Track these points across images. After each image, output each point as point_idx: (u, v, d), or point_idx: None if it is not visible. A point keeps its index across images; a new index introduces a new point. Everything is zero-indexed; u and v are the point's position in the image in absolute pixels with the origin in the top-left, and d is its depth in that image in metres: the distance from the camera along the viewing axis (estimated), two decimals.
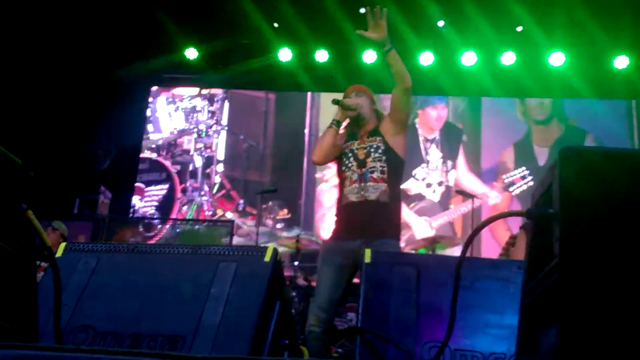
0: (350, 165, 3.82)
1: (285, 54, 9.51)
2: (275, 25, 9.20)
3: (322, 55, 9.46)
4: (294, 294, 7.15)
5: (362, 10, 8.13)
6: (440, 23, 8.95)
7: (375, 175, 3.73)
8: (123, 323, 2.26)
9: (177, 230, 8.70)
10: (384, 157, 3.77)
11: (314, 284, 7.15)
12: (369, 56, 9.28)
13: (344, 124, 4.01)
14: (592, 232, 1.41)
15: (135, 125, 10.28)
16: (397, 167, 3.85)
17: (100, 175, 9.10)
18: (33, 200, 1.74)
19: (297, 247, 7.41)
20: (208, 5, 8.94)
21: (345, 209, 3.78)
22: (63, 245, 2.47)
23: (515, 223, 7.41)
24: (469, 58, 9.29)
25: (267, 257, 2.33)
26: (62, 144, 9.18)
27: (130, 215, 9.67)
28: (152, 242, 8.23)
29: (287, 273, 7.26)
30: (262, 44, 9.44)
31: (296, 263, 7.35)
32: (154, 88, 10.60)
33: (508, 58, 9.27)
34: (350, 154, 3.86)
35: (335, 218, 3.92)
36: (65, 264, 2.38)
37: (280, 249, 8.01)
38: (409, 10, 8.44)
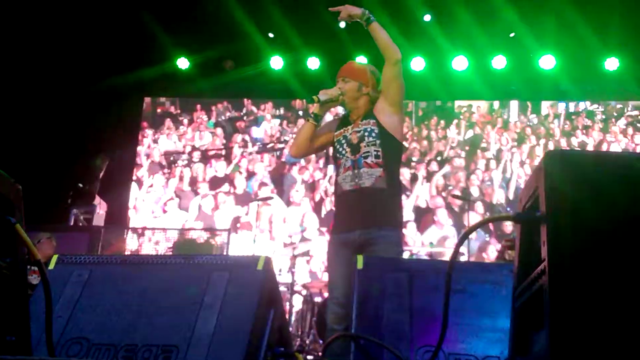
0: (344, 152, 3.64)
1: (277, 62, 9.54)
2: (271, 35, 9.22)
3: (313, 63, 9.49)
4: (293, 301, 7.16)
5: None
6: (427, 17, 8.94)
7: (369, 160, 3.53)
8: (117, 334, 2.25)
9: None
10: (378, 141, 3.57)
11: (312, 290, 7.17)
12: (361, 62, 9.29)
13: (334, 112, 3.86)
14: (578, 235, 1.42)
15: (129, 136, 10.29)
16: (394, 151, 3.65)
17: (96, 187, 9.07)
18: (22, 214, 1.75)
19: (293, 255, 7.45)
20: (199, 16, 8.96)
21: (340, 199, 3.62)
22: (55, 257, 2.47)
23: None
24: (460, 63, 9.33)
25: (260, 266, 2.33)
26: (57, 156, 9.18)
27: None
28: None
29: (285, 280, 7.28)
30: (253, 53, 9.46)
31: (294, 270, 7.37)
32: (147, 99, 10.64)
33: (499, 62, 9.30)
34: (343, 140, 3.68)
35: (334, 209, 3.75)
36: (58, 276, 2.38)
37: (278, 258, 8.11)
38: (399, 15, 8.48)
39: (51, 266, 2.47)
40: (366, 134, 3.60)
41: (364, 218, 3.46)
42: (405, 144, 10.04)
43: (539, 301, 1.52)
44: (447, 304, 1.80)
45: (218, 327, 2.17)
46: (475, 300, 2.28)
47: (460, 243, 1.77)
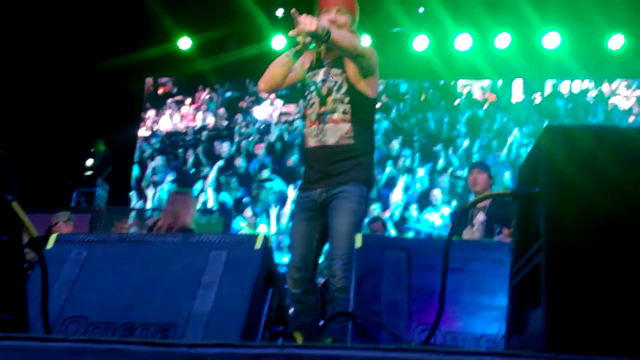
0: (312, 101, 3.41)
1: (279, 42, 9.47)
2: (279, 12, 9.10)
3: None
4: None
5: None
6: (420, 10, 8.92)
7: (335, 116, 3.32)
8: (115, 313, 2.26)
9: None
10: (346, 98, 3.34)
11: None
12: (364, 42, 9.24)
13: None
14: (576, 212, 1.41)
15: (131, 117, 10.28)
16: (365, 107, 3.41)
17: (97, 168, 9.09)
18: (19, 191, 1.75)
19: None
20: None
21: (306, 155, 3.46)
22: (54, 236, 2.47)
23: None
24: (463, 41, 9.26)
25: (258, 245, 2.33)
26: (59, 137, 9.18)
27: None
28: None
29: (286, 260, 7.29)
30: (255, 33, 9.40)
31: None
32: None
33: (503, 40, 9.23)
34: (312, 87, 3.42)
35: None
36: (56, 255, 2.38)
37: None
38: None
39: (49, 245, 2.47)
40: (335, 87, 3.36)
41: (326, 176, 3.30)
42: (406, 124, 10.02)
43: (536, 278, 1.52)
44: (444, 283, 1.79)
45: (216, 306, 2.17)
46: (474, 279, 2.28)
47: (457, 220, 1.76)
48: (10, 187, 1.75)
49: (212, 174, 10.06)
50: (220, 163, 10.11)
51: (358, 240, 2.37)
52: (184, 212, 4.77)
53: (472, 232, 4.55)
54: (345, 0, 3.44)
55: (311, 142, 3.39)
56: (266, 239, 2.39)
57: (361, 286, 2.29)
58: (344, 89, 3.36)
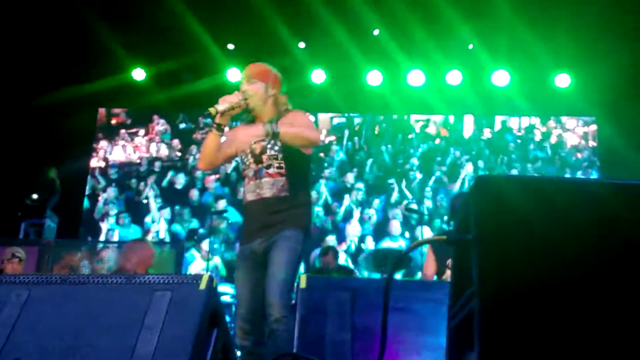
0: (248, 162, 3.57)
1: (234, 75, 9.50)
2: (230, 46, 9.17)
3: None
4: None
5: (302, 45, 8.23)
6: (376, 32, 9.01)
7: (271, 170, 3.47)
8: (56, 356, 2.22)
9: None
10: (280, 155, 3.49)
11: None
12: (318, 76, 9.35)
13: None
14: (505, 259, 1.45)
15: (83, 148, 10.14)
16: (299, 161, 3.56)
17: (44, 198, 8.92)
18: None
19: None
20: (156, 27, 8.89)
21: (244, 210, 3.58)
22: None
23: None
24: (416, 77, 9.44)
25: (203, 286, 2.33)
26: (8, 168, 9.02)
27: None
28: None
29: None
30: (210, 65, 9.42)
31: None
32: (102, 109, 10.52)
33: (454, 77, 9.43)
34: (248, 150, 3.59)
35: None
36: None
37: None
38: (357, 29, 8.57)
39: None
40: (269, 146, 3.52)
41: (264, 227, 3.39)
42: (359, 157, 10.12)
43: (472, 322, 1.55)
44: (384, 324, 1.81)
45: (158, 348, 2.15)
46: (416, 319, 2.31)
47: (396, 264, 1.79)
48: None
49: (164, 205, 9.96)
50: (153, 179, 10.08)
51: (302, 281, 2.39)
52: (124, 259, 5.06)
53: None
54: (255, 71, 3.69)
55: (249, 197, 3.50)
56: (211, 278, 2.38)
57: (305, 327, 2.30)
58: (277, 147, 3.51)
